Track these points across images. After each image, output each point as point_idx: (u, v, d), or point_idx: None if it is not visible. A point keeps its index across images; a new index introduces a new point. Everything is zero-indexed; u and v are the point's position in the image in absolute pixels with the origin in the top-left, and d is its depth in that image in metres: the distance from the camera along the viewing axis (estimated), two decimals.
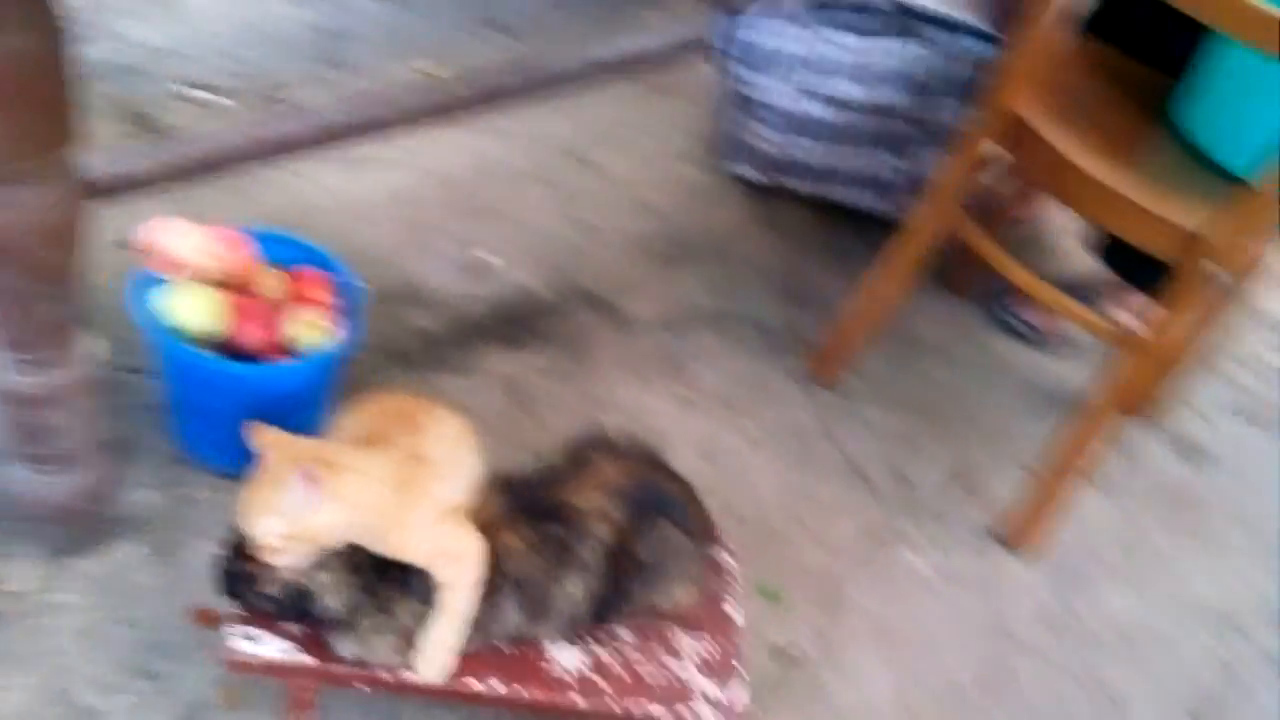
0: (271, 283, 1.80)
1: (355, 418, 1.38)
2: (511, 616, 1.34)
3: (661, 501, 1.40)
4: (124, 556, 1.68)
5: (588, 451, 1.43)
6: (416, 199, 2.56)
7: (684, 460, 2.10)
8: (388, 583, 1.28)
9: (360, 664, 1.30)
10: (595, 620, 1.39)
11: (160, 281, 1.69)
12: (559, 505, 1.35)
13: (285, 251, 1.86)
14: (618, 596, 1.38)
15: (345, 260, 2.26)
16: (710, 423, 2.24)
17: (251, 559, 1.21)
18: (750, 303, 2.57)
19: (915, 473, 2.28)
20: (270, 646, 1.29)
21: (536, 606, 1.34)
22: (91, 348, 1.56)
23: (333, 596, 1.26)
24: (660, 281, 2.56)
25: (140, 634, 1.61)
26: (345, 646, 1.29)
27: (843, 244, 2.76)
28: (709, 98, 2.94)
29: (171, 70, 2.67)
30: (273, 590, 1.24)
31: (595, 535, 1.34)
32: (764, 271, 2.67)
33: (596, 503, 1.36)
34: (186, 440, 1.83)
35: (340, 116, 2.36)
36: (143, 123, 2.51)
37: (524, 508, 1.35)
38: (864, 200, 2.75)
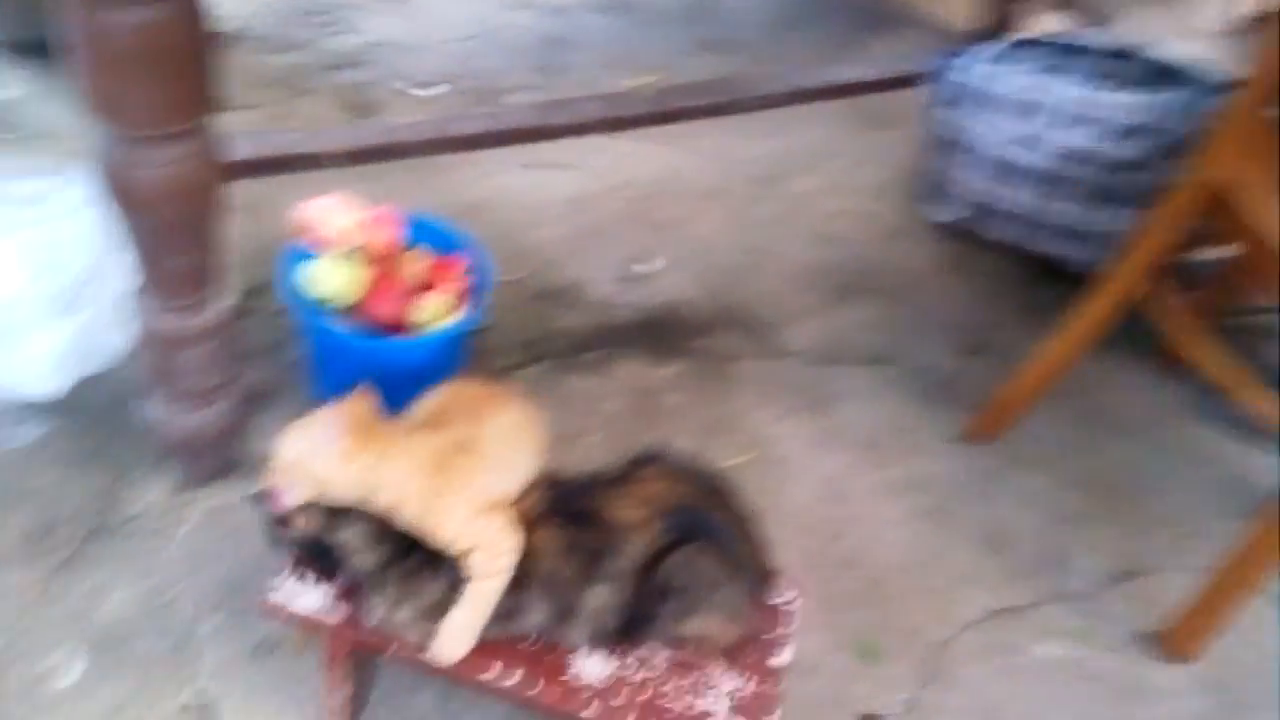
0: (412, 264, 1.89)
1: (431, 401, 1.42)
2: (536, 614, 1.32)
3: (704, 528, 1.34)
4: (241, 494, 1.82)
5: (642, 465, 1.39)
6: (591, 205, 2.61)
7: (802, 498, 2.02)
8: (417, 558, 1.30)
9: (382, 631, 1.33)
10: (624, 637, 1.35)
11: (306, 251, 1.82)
12: (597, 513, 1.32)
13: (432, 236, 1.94)
14: (645, 616, 1.33)
15: (506, 255, 2.35)
16: (844, 464, 2.13)
17: (282, 501, 1.27)
18: (918, 348, 2.42)
19: (1069, 554, 2.06)
20: (305, 600, 1.35)
21: (562, 609, 1.32)
22: (237, 301, 1.70)
23: (359, 557, 1.30)
24: (824, 314, 2.47)
25: (240, 568, 1.73)
26: (371, 612, 1.32)
27: (1036, 298, 2.55)
28: (918, 135, 2.82)
29: (398, 65, 2.88)
30: (297, 536, 1.30)
31: (628, 550, 1.31)
32: (941, 318, 2.51)
33: (636, 518, 1.32)
34: (320, 397, 1.95)
35: (529, 120, 2.47)
36: (359, 110, 2.72)
37: (562, 510, 1.33)
38: (1069, 253, 2.54)
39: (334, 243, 1.79)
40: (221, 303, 1.62)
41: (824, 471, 2.10)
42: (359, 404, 1.27)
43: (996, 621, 1.93)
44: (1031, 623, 1.93)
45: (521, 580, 1.30)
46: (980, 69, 2.53)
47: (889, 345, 2.42)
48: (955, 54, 2.60)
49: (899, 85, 2.64)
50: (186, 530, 1.77)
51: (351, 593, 1.35)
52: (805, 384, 2.28)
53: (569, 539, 1.31)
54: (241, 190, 2.18)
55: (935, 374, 2.37)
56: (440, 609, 1.31)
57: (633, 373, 2.21)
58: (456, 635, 1.31)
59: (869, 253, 2.67)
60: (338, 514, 1.29)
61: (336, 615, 1.35)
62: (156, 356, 1.63)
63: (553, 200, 2.60)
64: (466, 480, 1.29)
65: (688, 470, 1.40)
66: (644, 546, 1.31)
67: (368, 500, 1.25)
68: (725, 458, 2.05)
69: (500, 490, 1.32)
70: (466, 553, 1.28)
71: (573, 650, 1.36)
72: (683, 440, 2.06)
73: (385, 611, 1.32)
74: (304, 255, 1.82)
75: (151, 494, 1.80)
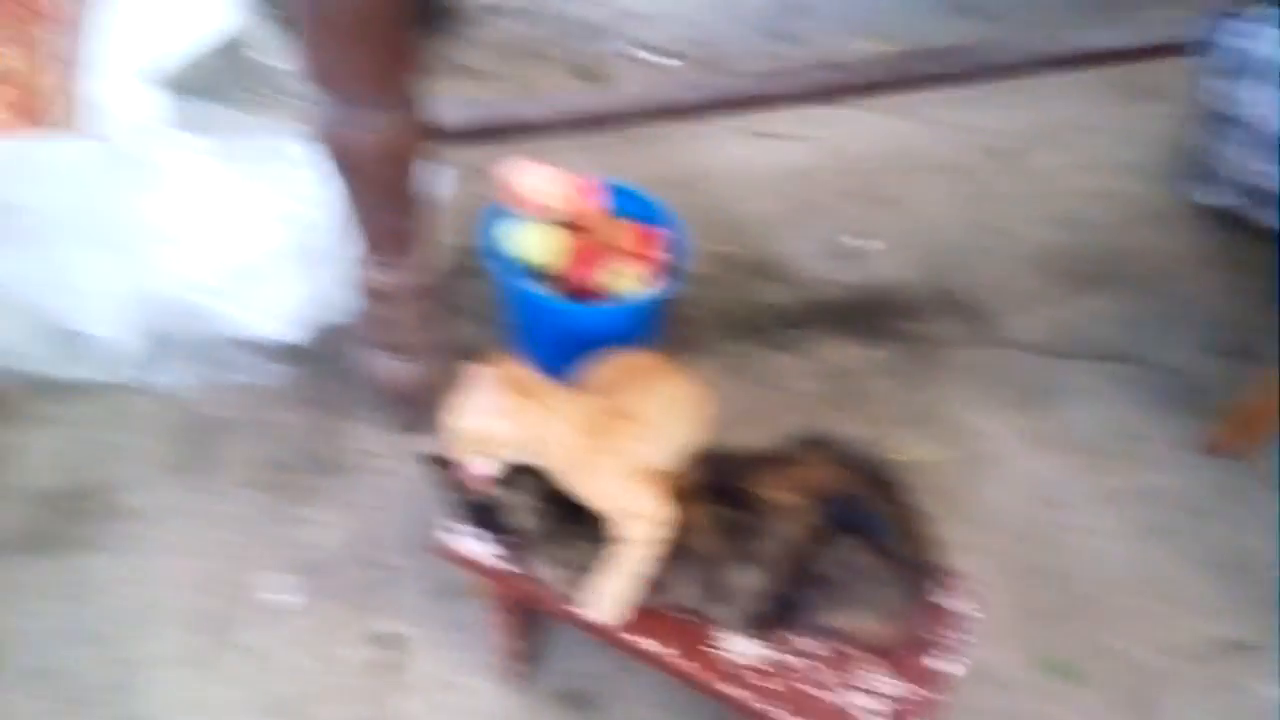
0: (611, 232, 1.92)
1: (600, 368, 1.44)
2: (686, 588, 1.32)
3: (865, 520, 1.28)
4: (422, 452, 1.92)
5: (806, 449, 1.35)
6: (810, 177, 2.54)
7: (1008, 500, 1.90)
8: (575, 522, 1.33)
9: (541, 587, 1.37)
10: (776, 622, 1.32)
11: (511, 215, 1.89)
12: (752, 494, 1.30)
13: (635, 207, 1.96)
14: (796, 604, 1.30)
15: (718, 227, 2.33)
16: (1061, 467, 1.98)
17: (456, 463, 1.33)
18: (1162, 346, 2.20)
19: None
20: (476, 549, 1.41)
21: (712, 586, 1.31)
22: (454, 263, 1.79)
23: (524, 517, 1.34)
24: (1057, 303, 2.29)
25: (443, 513, 1.83)
26: (532, 566, 1.37)
27: None
28: (1185, 110, 2.55)
29: (629, 31, 2.91)
30: (469, 496, 1.35)
31: (781, 534, 1.28)
32: (1193, 314, 2.27)
33: (792, 502, 1.28)
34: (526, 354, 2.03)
35: (753, 87, 2.42)
36: (586, 76, 2.78)
37: (718, 486, 1.32)
38: None
39: (539, 208, 1.84)
40: (431, 262, 1.71)
41: (1037, 474, 1.96)
42: (516, 365, 1.31)
43: (1223, 657, 1.74)
44: (1265, 663, 1.73)
45: (673, 552, 1.30)
46: (1270, 34, 2.23)
47: (1129, 341, 2.21)
48: (1237, 17, 2.31)
49: (1167, 53, 2.37)
50: (397, 475, 1.89)
51: (516, 549, 1.40)
52: (1026, 378, 2.12)
53: (721, 516, 1.30)
54: (466, 156, 2.31)
55: (1179, 376, 2.14)
56: (594, 572, 1.33)
57: (836, 353, 2.15)
58: (608, 598, 1.33)
59: (1117, 237, 2.44)
60: (504, 476, 1.33)
61: (501, 568, 1.41)
62: (371, 310, 1.75)
63: (773, 172, 2.55)
64: (622, 445, 1.30)
65: (854, 458, 1.34)
66: (798, 532, 1.28)
67: (530, 457, 1.29)
68: (923, 450, 1.96)
69: (656, 460, 1.33)
70: (619, 519, 1.29)
71: (724, 629, 1.35)
72: (880, 428, 1.98)
73: (545, 569, 1.36)
74: (510, 219, 1.89)
75: (370, 439, 1.94)
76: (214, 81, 2.41)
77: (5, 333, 1.88)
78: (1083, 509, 1.91)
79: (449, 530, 1.44)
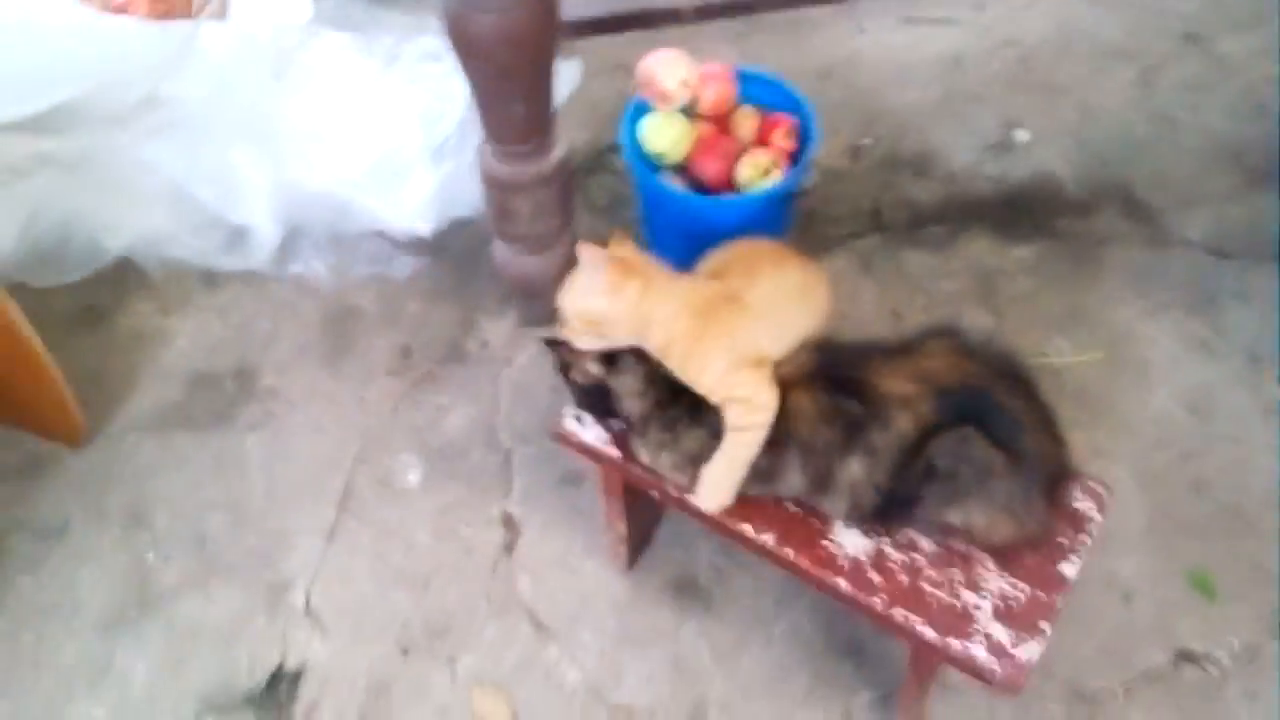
0: (742, 122, 1.85)
1: (715, 255, 1.40)
2: (793, 477, 1.28)
3: (986, 412, 1.20)
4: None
5: (928, 340, 1.28)
6: (970, 64, 2.37)
7: (1159, 407, 1.76)
8: (680, 405, 1.30)
9: (648, 473, 1.36)
10: (885, 515, 1.27)
11: (647, 108, 1.85)
12: (865, 383, 1.24)
13: (767, 93, 1.88)
14: (907, 498, 1.24)
15: (861, 117, 2.23)
16: (1221, 375, 1.82)
17: (569, 346, 1.33)
18: None
19: None
20: (588, 432, 1.41)
21: (819, 476, 1.27)
22: (587, 156, 1.76)
23: (630, 401, 1.32)
24: (1231, 200, 2.08)
25: (559, 404, 1.85)
26: (639, 451, 1.36)
27: None
28: None
29: None
30: (580, 378, 1.35)
31: (893, 425, 1.22)
32: None
33: (907, 392, 1.22)
34: (652, 247, 2.01)
35: None
36: None
37: (828, 374, 1.27)
38: None
39: (669, 97, 1.79)
40: (556, 152, 1.69)
41: (1192, 380, 1.81)
42: (628, 246, 1.28)
43: None
44: None
45: (780, 441, 1.27)
46: None
47: None
48: None
49: None
50: (519, 365, 1.92)
51: (625, 434, 1.40)
52: (1189, 279, 1.96)
53: (831, 405, 1.25)
54: (606, 50, 2.27)
55: None
56: (700, 458, 1.31)
57: (982, 251, 2.03)
58: (714, 485, 1.31)
59: None
60: (614, 360, 1.32)
61: (612, 452, 1.40)
62: (495, 201, 1.75)
63: (927, 59, 2.40)
64: (729, 329, 1.26)
65: (980, 350, 1.26)
66: (912, 423, 1.21)
67: (639, 337, 1.27)
68: (1071, 352, 1.83)
69: (764, 346, 1.28)
70: (724, 403, 1.26)
71: (834, 520, 1.31)
72: (1025, 328, 1.87)
73: (650, 454, 1.35)
74: (642, 110, 1.85)
75: (495, 330, 1.97)
76: None
77: (158, 221, 1.98)
78: (1240, 420, 1.76)
79: (566, 416, 1.44)
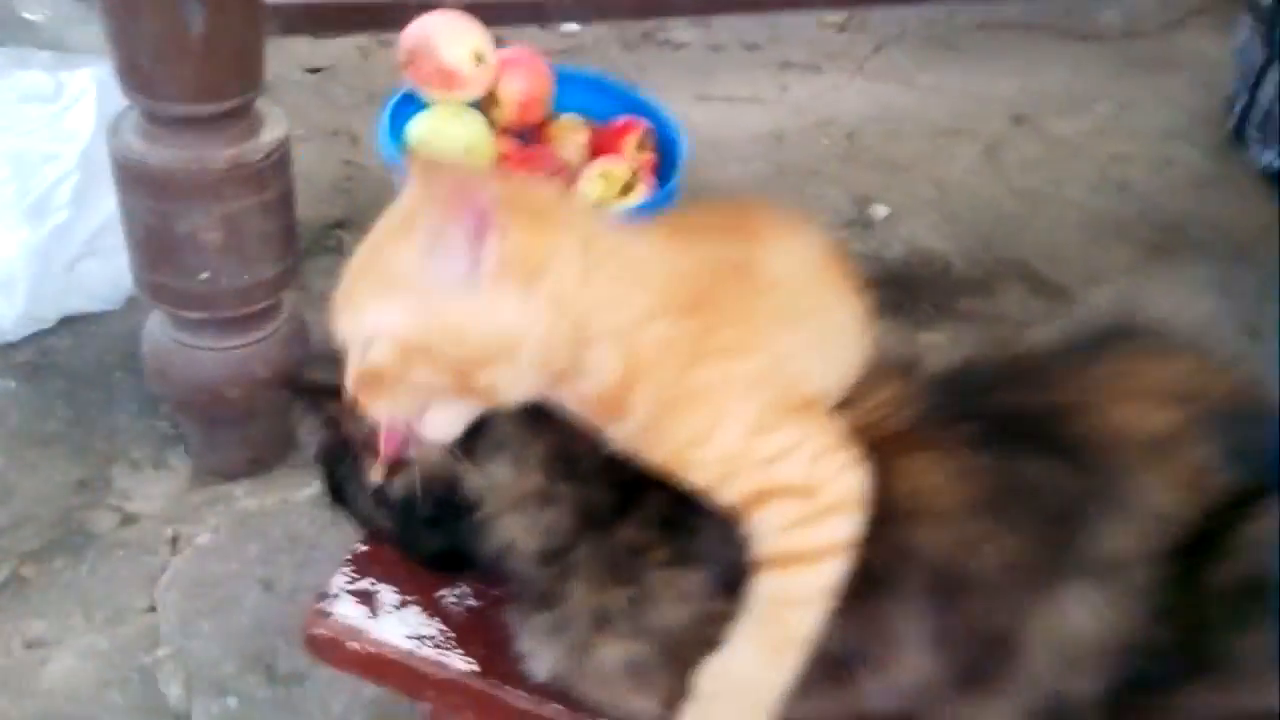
0: (565, 134, 1.19)
1: (664, 220, 0.68)
2: (915, 661, 0.56)
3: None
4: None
5: (1107, 344, 0.63)
6: (792, 141, 1.92)
7: None
8: (638, 522, 0.56)
9: (560, 693, 0.58)
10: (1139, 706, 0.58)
11: (418, 101, 1.14)
12: (1056, 417, 0.57)
13: (595, 101, 1.24)
14: (1178, 670, 0.56)
15: (690, 193, 1.65)
16: None
17: (358, 413, 0.55)
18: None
19: None
20: (391, 625, 0.61)
21: (977, 650, 0.55)
22: (289, 132, 1.01)
23: (518, 522, 0.56)
24: (1140, 273, 1.71)
25: (268, 609, 1.00)
26: (534, 645, 0.58)
27: None
28: (1213, 69, 2.14)
29: None
30: (389, 481, 0.56)
31: (1142, 501, 0.54)
32: None
33: (1156, 425, 0.56)
34: None
35: None
36: None
37: (971, 414, 0.58)
38: None
39: (456, 78, 1.10)
40: (272, 128, 0.93)
41: None
42: (525, 181, 0.55)
43: None
44: None
45: (882, 578, 0.55)
46: None
47: (1235, 311, 1.64)
48: None
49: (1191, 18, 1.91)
50: (198, 549, 1.06)
51: (492, 608, 0.61)
52: None
53: (999, 476, 0.55)
54: (318, 90, 1.59)
55: None
56: (691, 644, 0.56)
57: (886, 337, 1.45)
58: (732, 704, 0.55)
59: (1177, 202, 1.91)
60: (478, 434, 0.55)
61: (457, 663, 0.60)
62: (149, 226, 0.95)
63: (741, 136, 1.93)
64: (751, 332, 0.55)
65: (1183, 351, 0.63)
66: (1182, 490, 0.54)
67: (555, 376, 0.52)
68: None
69: (815, 372, 0.58)
70: (752, 504, 0.54)
71: None
72: None
73: (568, 651, 0.57)
74: (411, 104, 1.14)
75: (147, 491, 1.11)
76: None
77: None
78: None
79: (333, 591, 0.63)
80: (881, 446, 0.57)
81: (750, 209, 0.68)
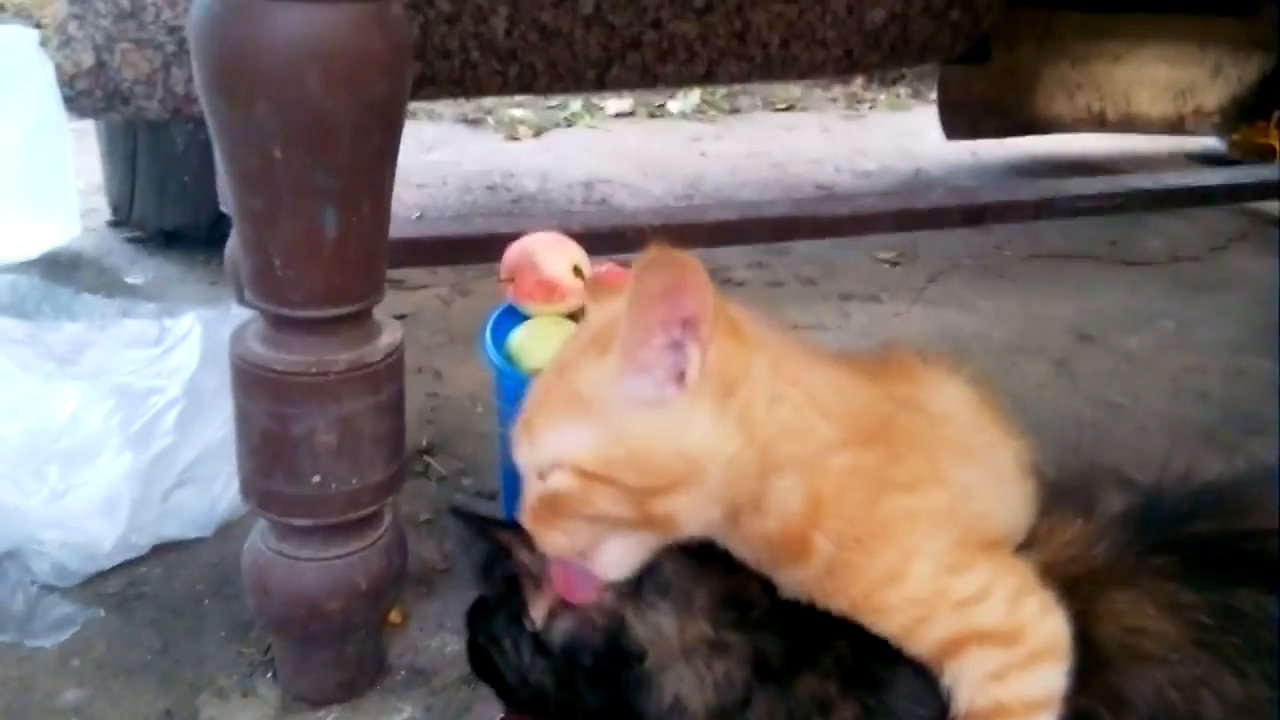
0: None
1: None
2: None
3: None
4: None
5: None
6: None
7: None
8: (818, 676, 0.52)
9: None
10: None
11: (518, 314, 1.18)
12: (1268, 537, 0.53)
13: None
14: None
15: None
16: None
17: (519, 568, 0.52)
18: None
19: None
20: None
21: None
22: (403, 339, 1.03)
23: (686, 675, 0.52)
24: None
25: None
26: None
27: None
28: (1264, 287, 2.27)
29: None
30: (552, 630, 0.52)
31: None
32: None
33: None
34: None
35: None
36: None
37: (1167, 546, 0.54)
38: None
39: (556, 290, 1.15)
40: (387, 333, 0.96)
41: None
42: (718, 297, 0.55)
43: None
44: None
45: None
46: None
47: None
48: None
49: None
50: None
51: None
52: None
53: (1210, 608, 0.51)
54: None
55: None
56: None
57: None
58: None
59: (1262, 410, 1.88)
60: (642, 576, 0.53)
61: None
62: (258, 429, 0.96)
63: None
64: (932, 466, 0.53)
65: None
66: None
67: (733, 517, 0.50)
68: None
69: (995, 511, 0.56)
70: (954, 652, 0.50)
71: None
72: None
73: None
74: (513, 319, 1.18)
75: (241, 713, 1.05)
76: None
77: None
78: None
79: None
80: (1077, 587, 0.53)
81: (898, 353, 0.67)
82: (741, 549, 0.52)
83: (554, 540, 0.51)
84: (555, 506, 0.51)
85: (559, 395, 0.53)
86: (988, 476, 0.57)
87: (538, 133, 3.22)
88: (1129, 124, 3.13)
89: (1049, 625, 0.50)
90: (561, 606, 0.53)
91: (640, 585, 0.53)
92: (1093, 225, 2.60)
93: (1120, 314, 2.22)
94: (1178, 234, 2.63)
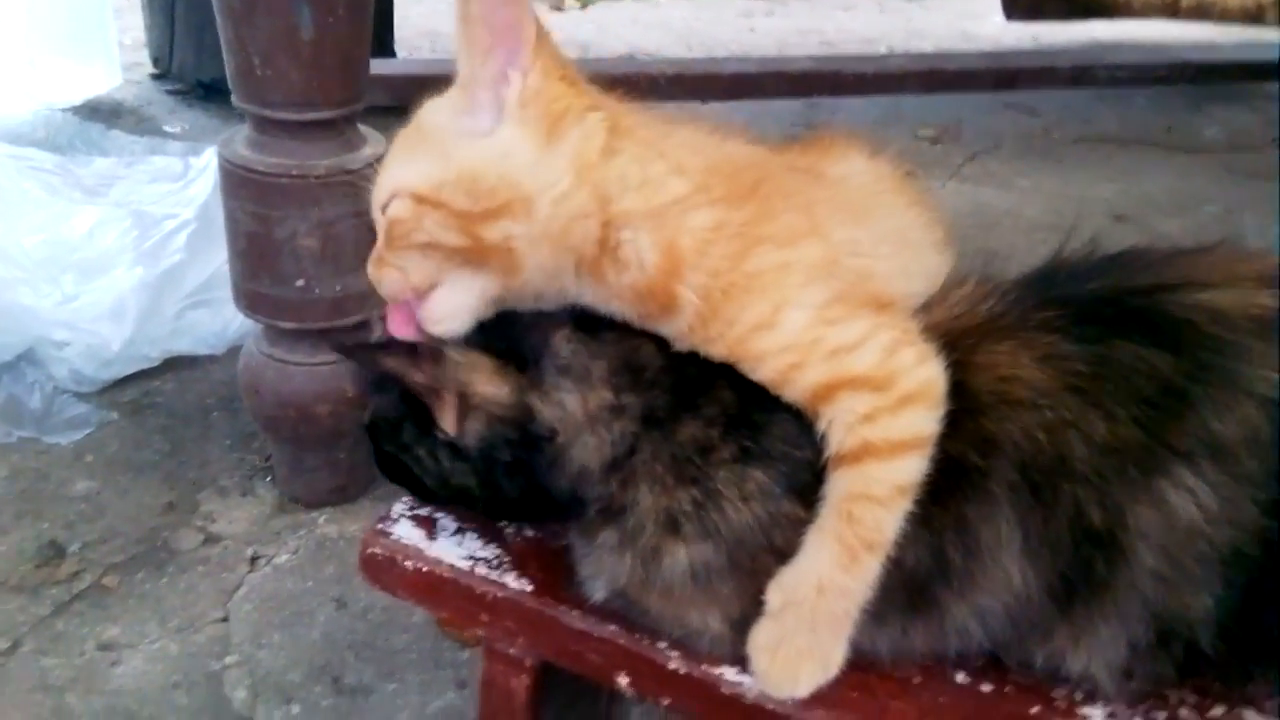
0: None
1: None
2: (1008, 569, 0.51)
3: None
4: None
5: (1193, 250, 0.59)
6: None
7: None
8: (702, 423, 0.53)
9: (617, 613, 0.54)
10: (1228, 669, 0.51)
11: None
12: (1160, 293, 0.53)
13: None
14: None
15: None
16: None
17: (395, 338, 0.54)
18: None
19: None
20: (448, 546, 0.59)
21: (1083, 549, 0.50)
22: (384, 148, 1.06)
23: (588, 443, 0.53)
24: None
25: (338, 628, 0.98)
26: (599, 563, 0.54)
27: None
28: None
29: None
30: (465, 435, 0.54)
31: (1257, 377, 0.50)
32: None
33: (1254, 304, 0.51)
34: None
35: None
36: None
37: (1057, 302, 0.55)
38: None
39: None
40: (370, 145, 0.98)
41: None
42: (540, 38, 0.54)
43: None
44: None
45: (966, 473, 0.51)
46: None
47: None
48: None
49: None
50: (277, 568, 1.05)
51: (550, 537, 0.58)
52: None
53: (1088, 358, 0.52)
54: None
55: None
56: (760, 549, 0.53)
57: None
58: (805, 624, 0.51)
59: None
60: (541, 361, 0.54)
61: (513, 578, 0.58)
62: (247, 235, 0.99)
63: None
64: (810, 219, 0.54)
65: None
66: None
67: (587, 270, 0.52)
68: None
69: (889, 274, 0.56)
70: (824, 399, 0.51)
71: (1091, 695, 0.53)
72: None
73: (635, 561, 0.54)
74: None
75: (231, 515, 1.12)
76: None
77: None
78: None
79: (393, 515, 0.62)
80: (959, 340, 0.54)
81: (828, 134, 0.67)
82: (619, 309, 0.53)
83: (390, 276, 0.53)
84: (391, 238, 0.52)
85: (406, 137, 0.55)
86: (880, 238, 0.57)
87: (584, 4, 3.17)
88: (1203, 11, 2.98)
89: (923, 373, 0.51)
90: (466, 410, 0.54)
91: (541, 373, 0.54)
92: (1149, 110, 2.50)
93: (1164, 198, 2.15)
94: (1238, 122, 2.52)
